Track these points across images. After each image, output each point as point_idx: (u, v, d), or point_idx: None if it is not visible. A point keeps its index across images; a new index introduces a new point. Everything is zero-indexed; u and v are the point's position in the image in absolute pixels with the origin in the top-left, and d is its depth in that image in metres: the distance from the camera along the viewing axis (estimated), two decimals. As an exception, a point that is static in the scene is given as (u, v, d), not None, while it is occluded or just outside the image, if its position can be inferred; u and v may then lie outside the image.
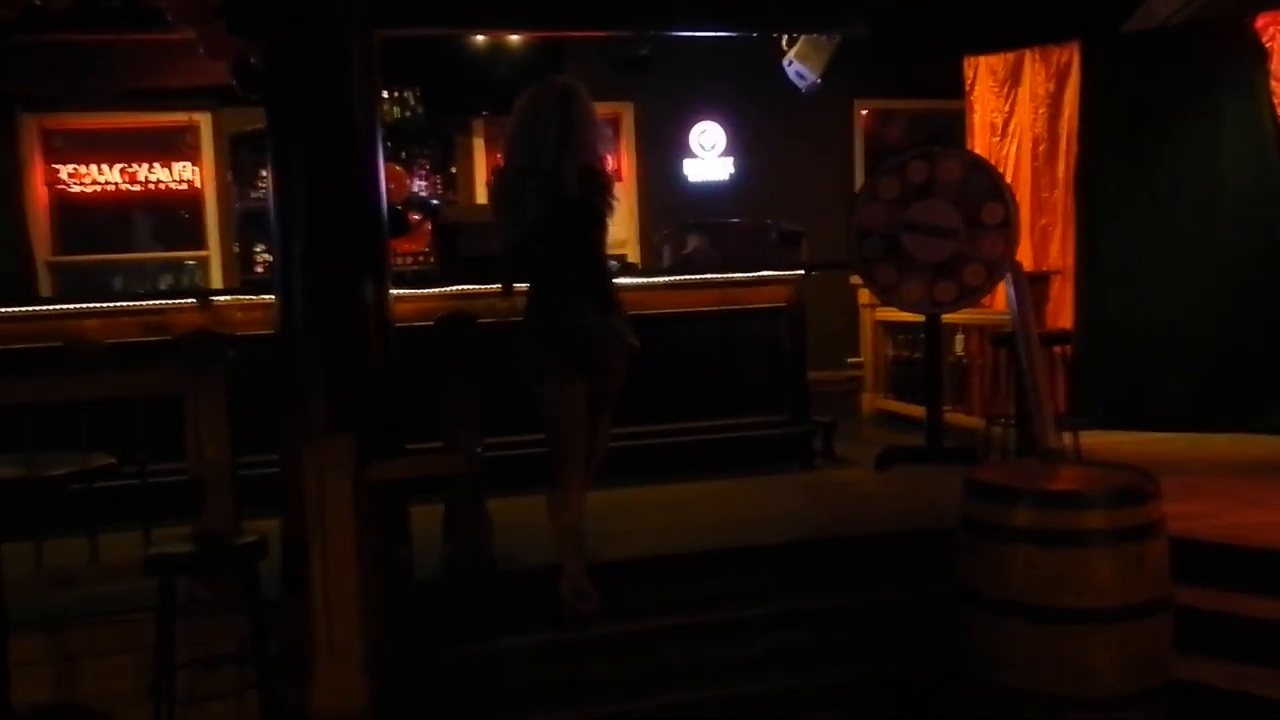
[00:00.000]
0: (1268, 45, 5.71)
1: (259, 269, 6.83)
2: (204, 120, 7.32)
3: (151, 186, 7.34)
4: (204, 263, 7.40)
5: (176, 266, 7.55)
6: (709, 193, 7.70)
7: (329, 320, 3.37)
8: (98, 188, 7.26)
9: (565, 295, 3.51)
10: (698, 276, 5.28)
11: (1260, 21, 5.73)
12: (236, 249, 7.16)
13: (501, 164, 3.74)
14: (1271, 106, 5.71)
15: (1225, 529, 3.79)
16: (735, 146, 7.69)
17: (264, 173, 6.72)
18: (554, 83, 3.59)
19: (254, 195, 6.95)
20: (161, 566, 2.94)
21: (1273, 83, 5.70)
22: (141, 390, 3.37)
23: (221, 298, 4.94)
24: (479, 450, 3.55)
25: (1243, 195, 5.86)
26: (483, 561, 3.60)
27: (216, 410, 3.32)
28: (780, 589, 3.77)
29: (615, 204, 3.58)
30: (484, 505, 3.62)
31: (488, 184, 7.47)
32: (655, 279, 5.31)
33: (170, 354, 3.54)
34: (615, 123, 7.78)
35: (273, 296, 3.48)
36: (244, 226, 7.04)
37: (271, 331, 3.52)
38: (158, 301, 4.93)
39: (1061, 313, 6.30)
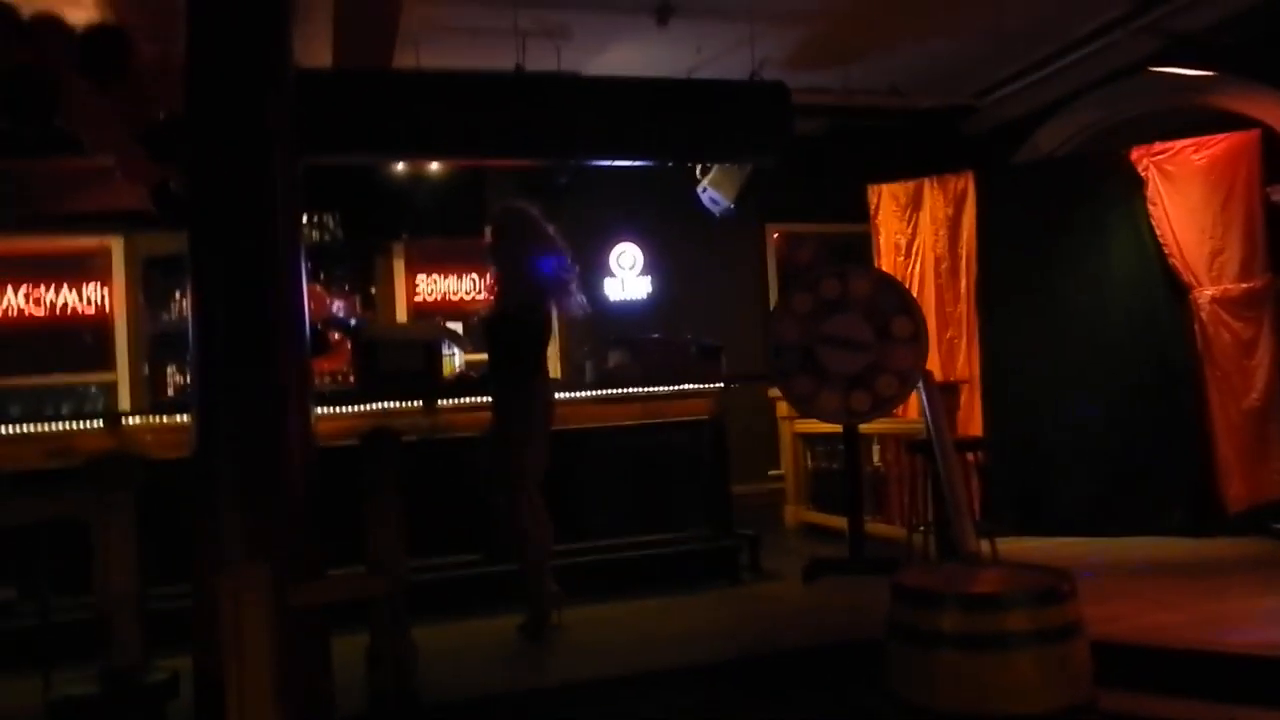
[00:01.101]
0: (1143, 175, 6.17)
1: (170, 391, 6.66)
2: (116, 244, 7.22)
3: (59, 310, 7.16)
4: (111, 386, 7.18)
5: (81, 391, 7.30)
6: (629, 310, 7.85)
7: (248, 440, 3.30)
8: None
9: None
10: (620, 390, 5.35)
11: (1135, 154, 6.21)
12: (146, 371, 6.99)
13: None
14: (1151, 228, 6.14)
15: (1142, 630, 3.89)
16: (653, 266, 7.89)
17: (178, 294, 6.65)
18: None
19: (166, 317, 6.84)
20: (64, 711, 2.77)
21: (1150, 208, 6.14)
22: (45, 516, 3.23)
23: (131, 420, 4.80)
24: (406, 572, 3.47)
25: (1129, 310, 6.23)
26: (407, 693, 3.47)
27: (125, 537, 3.19)
28: (712, 710, 3.71)
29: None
30: (408, 631, 3.52)
31: (409, 303, 7.60)
32: (578, 394, 5.35)
33: (75, 480, 3.42)
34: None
35: (185, 418, 3.41)
36: (155, 349, 6.90)
37: (185, 454, 3.43)
38: (63, 425, 4.76)
39: (971, 420, 6.52)
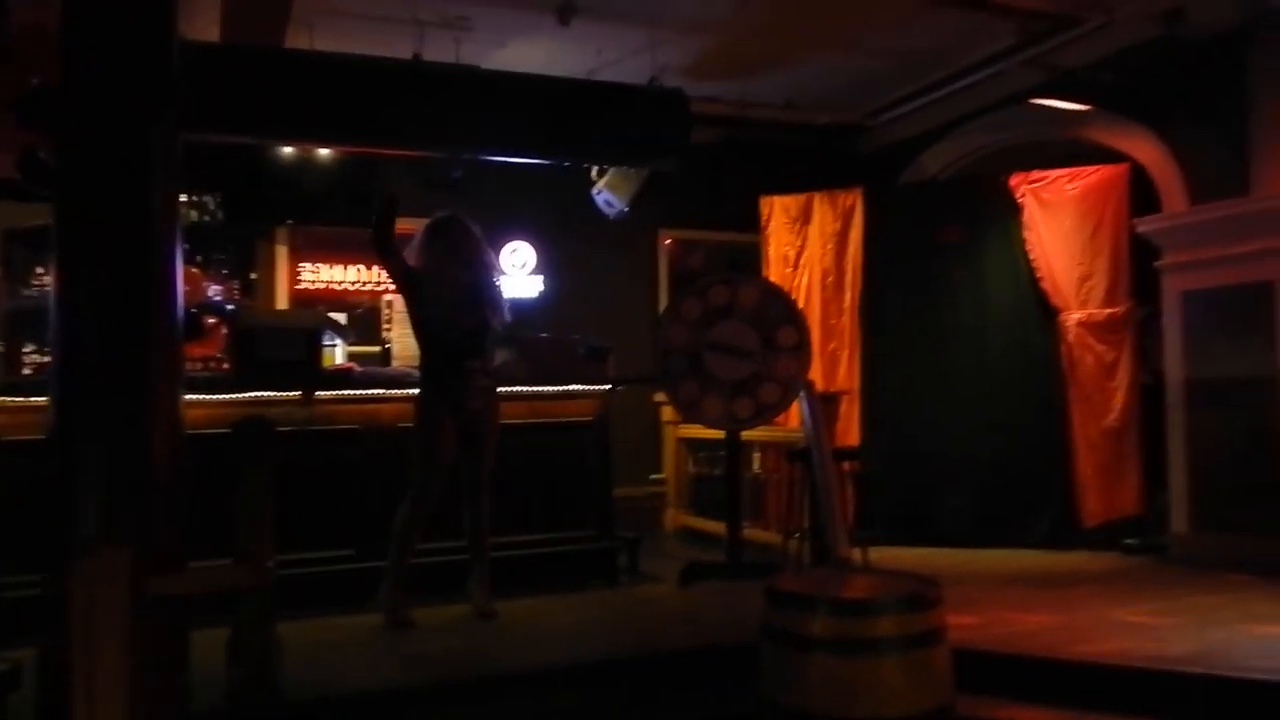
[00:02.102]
0: (1020, 201, 6.45)
1: (27, 370, 6.30)
2: (-26, 213, 6.80)
3: (-93, 280, 6.70)
4: (-38, 364, 6.76)
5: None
6: (518, 309, 7.76)
7: (111, 424, 3.14)
8: None
9: None
10: (505, 389, 5.28)
11: (1014, 181, 6.50)
12: (1, 349, 6.60)
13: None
14: (1026, 252, 6.43)
15: (999, 638, 4.05)
16: (545, 266, 7.85)
17: (40, 270, 6.31)
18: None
19: (27, 293, 6.47)
20: (-111, 701, 2.58)
21: (1025, 233, 6.43)
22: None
23: (-17, 400, 4.53)
24: (272, 564, 3.36)
25: (1004, 330, 6.52)
26: (269, 689, 3.36)
27: (-29, 522, 3.00)
28: (588, 711, 3.70)
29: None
30: (274, 626, 3.40)
31: (291, 291, 7.38)
32: (463, 392, 5.26)
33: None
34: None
35: (42, 399, 3.23)
36: (12, 325, 6.51)
37: (40, 436, 3.24)
38: (-95, 403, 4.45)
39: (850, 431, 6.70)
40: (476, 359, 4.54)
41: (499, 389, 4.71)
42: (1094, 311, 6.25)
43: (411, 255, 4.61)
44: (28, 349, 6.39)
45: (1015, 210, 6.48)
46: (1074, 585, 5.20)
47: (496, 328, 4.64)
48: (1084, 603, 4.73)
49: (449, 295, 4.50)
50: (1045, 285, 6.36)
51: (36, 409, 4.12)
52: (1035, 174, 6.46)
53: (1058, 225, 6.35)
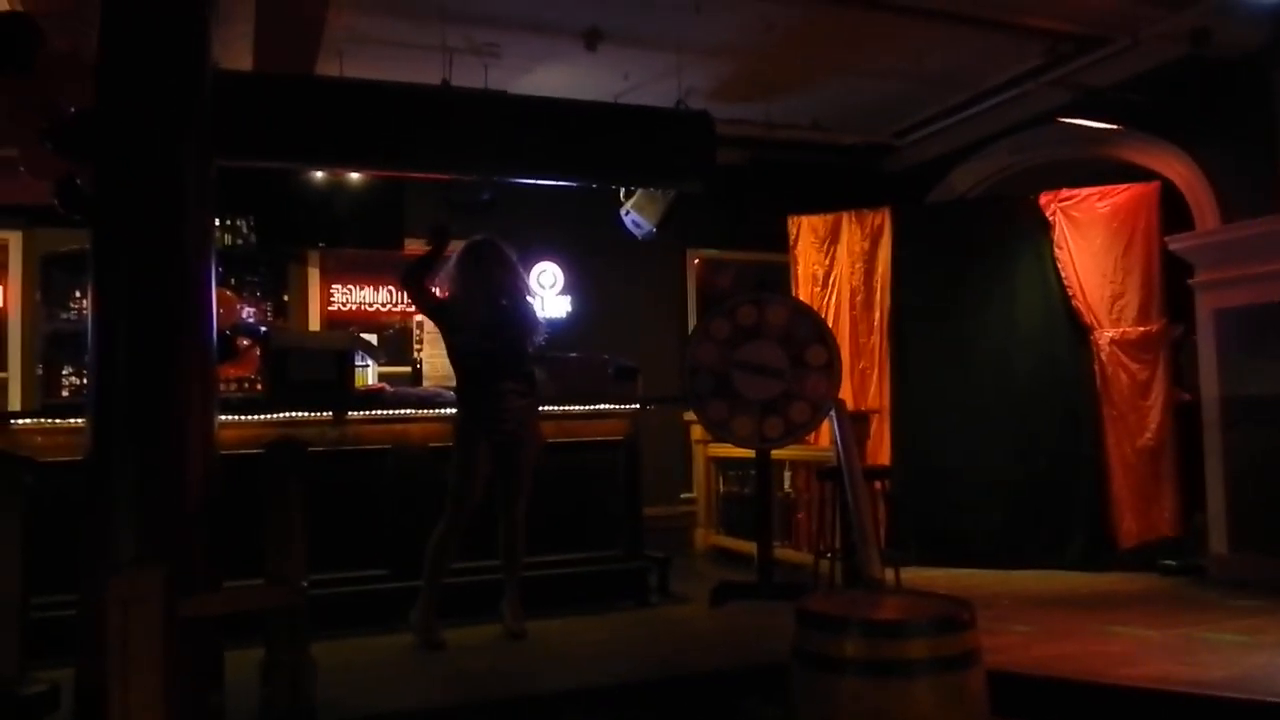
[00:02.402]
0: (1050, 219, 6.41)
1: (65, 392, 6.40)
2: (13, 239, 6.94)
3: (-51, 306, 6.85)
4: (2, 385, 6.88)
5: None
6: (548, 329, 7.81)
7: (147, 445, 3.19)
8: (-116, 305, 6.71)
9: None
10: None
11: (1044, 199, 6.46)
12: (40, 371, 6.71)
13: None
14: (1057, 270, 6.38)
15: (1035, 661, 3.99)
16: (573, 286, 7.88)
17: (78, 293, 6.41)
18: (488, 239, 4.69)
19: (64, 317, 6.58)
20: (-70, 720, 2.62)
21: (1056, 251, 6.38)
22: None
23: (22, 420, 4.60)
24: (304, 584, 3.38)
25: (1034, 348, 6.46)
26: (302, 709, 3.37)
27: (10, 540, 3.05)
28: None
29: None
30: (306, 646, 3.42)
31: (323, 313, 7.46)
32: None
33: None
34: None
35: (79, 421, 3.28)
36: (51, 348, 6.62)
37: (77, 457, 3.29)
38: (-53, 425, 4.53)
39: (880, 450, 6.66)
40: (510, 381, 4.56)
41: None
42: (1127, 330, 6.18)
43: (445, 279, 4.67)
44: (65, 371, 6.50)
45: (1045, 228, 6.44)
46: (1110, 607, 5.12)
47: (530, 349, 4.67)
48: (1121, 625, 4.66)
49: (482, 318, 4.54)
50: (1077, 303, 6.30)
51: (74, 430, 4.19)
52: (1065, 192, 6.42)
53: (1089, 243, 6.30)
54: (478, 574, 4.73)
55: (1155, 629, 4.56)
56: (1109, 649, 4.21)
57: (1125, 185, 6.28)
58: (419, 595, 4.49)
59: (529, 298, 4.84)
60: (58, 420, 4.56)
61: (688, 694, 3.89)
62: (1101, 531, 6.16)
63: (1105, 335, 6.23)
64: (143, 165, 3.38)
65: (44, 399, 6.43)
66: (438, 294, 4.69)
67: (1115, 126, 6.36)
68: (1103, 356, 6.23)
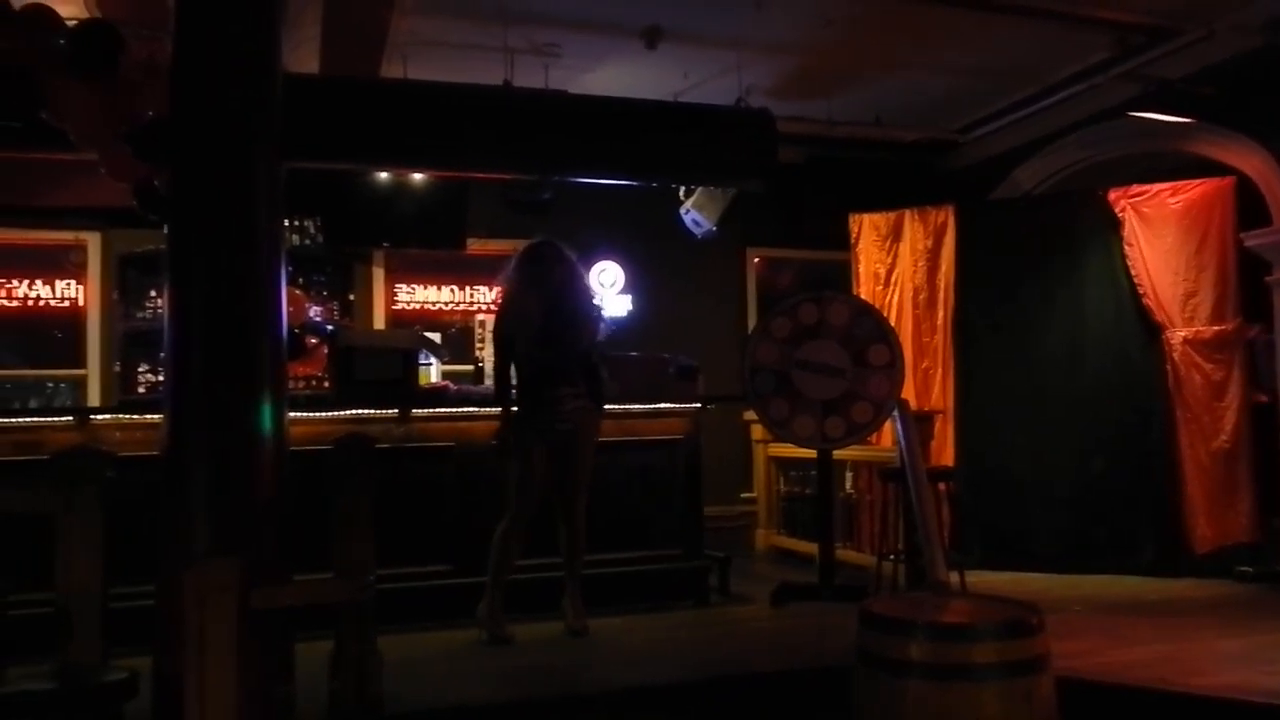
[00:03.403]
0: (1120, 215, 6.26)
1: (141, 389, 6.59)
2: (92, 240, 7.17)
3: (31, 304, 7.09)
4: (82, 382, 7.12)
5: (51, 385, 7.24)
6: (610, 326, 7.85)
7: (221, 441, 3.27)
8: (-31, 303, 6.97)
9: None
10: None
11: (1113, 195, 6.31)
12: (118, 368, 6.92)
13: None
14: (1126, 268, 6.23)
15: (1107, 667, 3.91)
16: (634, 285, 7.91)
17: (153, 293, 6.60)
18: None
19: (140, 315, 6.77)
20: (19, 706, 2.71)
21: (1126, 248, 6.24)
22: (12, 509, 3.18)
23: (101, 416, 4.75)
24: (372, 578, 3.44)
25: (1103, 348, 6.31)
26: (369, 702, 3.43)
27: (91, 533, 3.14)
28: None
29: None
30: (373, 639, 3.47)
31: (388, 312, 7.58)
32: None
33: (41, 473, 3.37)
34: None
35: (155, 417, 3.38)
36: (128, 346, 6.82)
37: (153, 453, 3.39)
38: (31, 419, 4.69)
39: (944, 451, 6.56)
40: (566, 386, 4.59)
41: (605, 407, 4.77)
42: (1200, 329, 6.02)
43: (504, 281, 4.73)
44: (142, 368, 6.69)
45: (1114, 225, 6.29)
46: (1183, 614, 4.99)
47: (590, 347, 4.69)
48: (1195, 632, 4.54)
49: (539, 324, 4.57)
50: (1148, 302, 6.15)
51: (150, 426, 4.32)
52: (1135, 188, 6.27)
53: (1160, 240, 6.15)
54: (540, 571, 4.77)
55: (1231, 637, 4.44)
56: (1183, 656, 4.11)
57: (1199, 180, 6.11)
58: (484, 590, 4.54)
59: (591, 297, 4.86)
60: (135, 416, 4.69)
61: (749, 694, 3.87)
62: (1174, 537, 6.00)
63: (1178, 334, 6.07)
64: (216, 167, 3.46)
65: (121, 395, 6.63)
66: (498, 301, 4.78)
67: (1188, 120, 6.20)
68: (1175, 356, 6.07)
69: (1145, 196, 6.23)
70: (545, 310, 4.59)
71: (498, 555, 4.53)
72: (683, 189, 7.27)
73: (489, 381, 6.25)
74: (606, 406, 4.90)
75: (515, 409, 4.63)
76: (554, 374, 4.59)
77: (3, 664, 3.03)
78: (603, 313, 4.92)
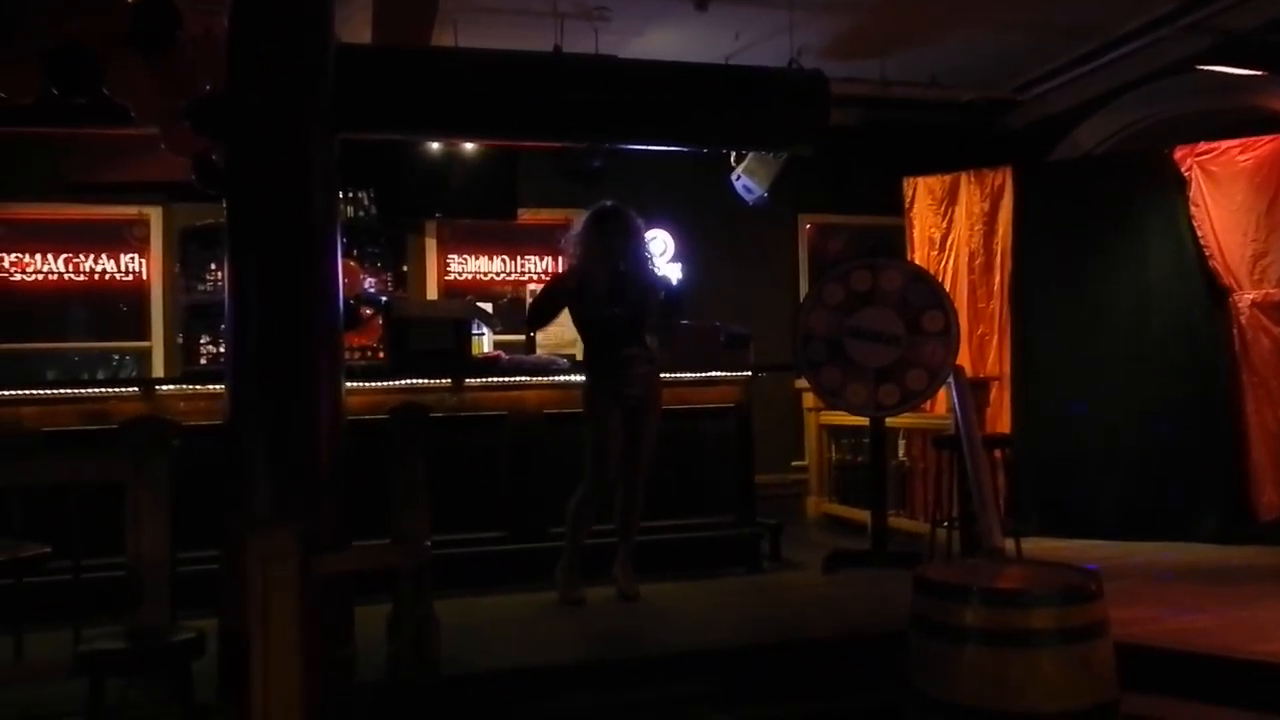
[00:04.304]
0: (1186, 174, 6.07)
1: (203, 360, 6.74)
2: (154, 214, 7.33)
3: (96, 277, 7.28)
4: (146, 354, 7.30)
5: (116, 357, 7.44)
6: (667, 288, 7.83)
7: (280, 410, 3.34)
8: (39, 277, 7.17)
9: None
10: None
11: (1179, 154, 6.11)
12: (180, 340, 7.08)
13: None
14: (1192, 229, 6.05)
15: (1167, 634, 3.85)
16: (684, 253, 7.88)
17: (213, 266, 6.72)
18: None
19: (201, 288, 6.91)
20: (92, 665, 2.81)
21: (1192, 208, 6.05)
22: (82, 477, 3.28)
23: (165, 387, 4.87)
24: (428, 544, 3.50)
25: (1167, 312, 6.15)
26: (427, 663, 3.50)
27: (159, 500, 3.22)
28: (731, 695, 3.71)
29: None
30: (430, 603, 3.54)
31: (440, 282, 7.65)
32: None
33: (109, 442, 3.47)
34: (566, 229, 7.90)
35: (217, 387, 3.45)
36: (189, 318, 6.97)
37: (216, 422, 3.47)
38: (98, 390, 4.83)
39: (1000, 418, 6.47)
40: (635, 346, 4.61)
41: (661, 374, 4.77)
42: (1270, 291, 5.83)
43: (570, 244, 4.74)
44: (203, 340, 6.84)
45: (1180, 185, 6.10)
46: (1248, 581, 4.88)
47: (653, 313, 4.68)
48: (1260, 600, 4.44)
49: (606, 285, 4.57)
50: (1214, 264, 5.97)
51: (213, 396, 4.42)
52: (1202, 145, 6.07)
53: (1228, 200, 5.95)
54: (593, 537, 4.80)
55: (1298, 604, 4.34)
56: (1245, 624, 4.02)
57: (1270, 136, 5.89)
58: (561, 555, 4.60)
59: (651, 264, 4.85)
60: (198, 386, 4.81)
61: (802, 659, 3.88)
62: (1237, 504, 5.85)
63: (1245, 298, 5.89)
64: (272, 141, 3.51)
65: (185, 366, 6.80)
66: (567, 260, 4.82)
67: (1259, 73, 5.97)
68: (1242, 320, 5.90)
69: (1213, 154, 6.02)
70: (611, 273, 4.59)
71: (573, 523, 4.56)
72: (733, 155, 7.21)
73: (541, 351, 6.30)
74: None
75: (589, 374, 4.64)
76: (621, 335, 4.59)
77: (77, 625, 3.15)
78: (668, 280, 4.87)
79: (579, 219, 4.79)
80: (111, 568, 3.25)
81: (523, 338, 6.87)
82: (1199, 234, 6.02)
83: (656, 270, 4.88)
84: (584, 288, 4.62)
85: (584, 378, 4.69)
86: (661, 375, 4.80)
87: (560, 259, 7.16)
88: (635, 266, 4.67)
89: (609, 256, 4.60)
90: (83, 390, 4.87)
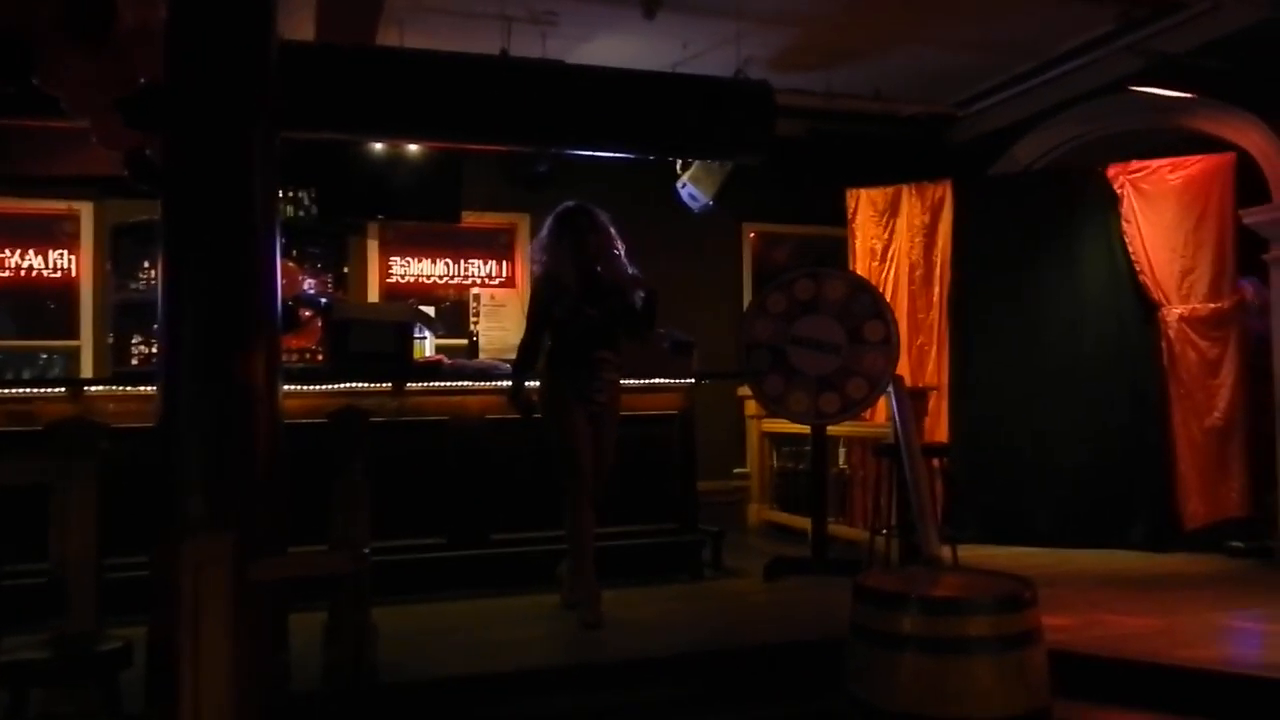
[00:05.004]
0: (1119, 191, 6.25)
1: (134, 360, 6.55)
2: (85, 209, 7.11)
3: (23, 274, 7.05)
4: (75, 353, 7.08)
5: (43, 356, 7.21)
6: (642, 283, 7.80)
7: (215, 412, 3.25)
8: (-40, 272, 6.93)
9: None
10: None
11: (1112, 171, 6.29)
12: (111, 339, 6.88)
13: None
14: (1124, 245, 6.23)
15: (1098, 641, 3.94)
16: (629, 259, 7.85)
17: (146, 264, 6.54)
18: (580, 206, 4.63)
19: (134, 286, 6.71)
20: (13, 676, 2.71)
21: (1124, 225, 6.22)
22: (5, 479, 3.17)
23: (94, 387, 4.73)
24: (367, 550, 3.44)
25: (1099, 325, 6.32)
26: (366, 671, 3.44)
27: (85, 503, 3.13)
28: (671, 703, 3.71)
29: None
30: (369, 610, 3.49)
31: (382, 285, 7.54)
32: (549, 384, 5.32)
33: (35, 444, 3.36)
34: (511, 233, 7.89)
35: (149, 388, 3.36)
36: (121, 317, 6.76)
37: (147, 424, 3.38)
38: (24, 390, 4.67)
39: (938, 427, 6.58)
40: (607, 350, 4.50)
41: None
42: (1197, 306, 6.02)
43: (538, 249, 4.61)
44: (135, 340, 6.65)
45: (1113, 201, 6.27)
46: (1175, 588, 5.03)
47: (631, 315, 4.54)
48: (1187, 606, 4.57)
49: (577, 284, 4.46)
50: (1144, 279, 6.15)
51: (144, 398, 4.30)
52: (1135, 164, 6.25)
53: (1159, 217, 6.13)
54: (534, 544, 4.77)
55: (1222, 610, 4.47)
56: (1175, 630, 4.13)
57: (1199, 156, 6.09)
58: (572, 561, 4.47)
59: (624, 262, 4.66)
60: (129, 388, 4.68)
61: (743, 666, 3.89)
62: (1166, 512, 6.03)
63: (1174, 312, 6.07)
64: (210, 136, 3.42)
65: (115, 367, 6.60)
66: (534, 267, 4.65)
67: (1189, 95, 6.16)
68: (1170, 334, 6.08)
69: (1144, 173, 6.21)
70: (581, 274, 4.49)
71: (573, 537, 4.43)
72: (679, 163, 7.23)
73: (483, 355, 6.24)
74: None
75: (553, 375, 4.50)
76: (594, 337, 4.47)
77: (-2, 634, 3.04)
78: (645, 281, 4.65)
79: (544, 226, 4.65)
80: (36, 574, 3.14)
81: (465, 342, 6.82)
82: (1130, 250, 6.20)
83: (630, 269, 4.66)
84: (555, 289, 4.49)
85: (541, 380, 4.54)
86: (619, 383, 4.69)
87: (523, 268, 7.08)
88: (607, 264, 4.55)
89: (578, 254, 4.49)
90: (7, 390, 4.70)
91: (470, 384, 5.16)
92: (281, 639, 3.32)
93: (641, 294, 4.55)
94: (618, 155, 6.09)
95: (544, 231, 4.63)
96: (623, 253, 4.67)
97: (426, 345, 6.12)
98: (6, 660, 2.73)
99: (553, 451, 4.46)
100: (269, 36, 3.55)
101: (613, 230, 4.65)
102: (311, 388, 4.81)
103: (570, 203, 4.68)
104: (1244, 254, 5.97)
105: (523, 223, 7.87)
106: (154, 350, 5.67)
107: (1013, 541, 6.13)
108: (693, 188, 7.25)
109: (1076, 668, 3.55)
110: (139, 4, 3.93)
